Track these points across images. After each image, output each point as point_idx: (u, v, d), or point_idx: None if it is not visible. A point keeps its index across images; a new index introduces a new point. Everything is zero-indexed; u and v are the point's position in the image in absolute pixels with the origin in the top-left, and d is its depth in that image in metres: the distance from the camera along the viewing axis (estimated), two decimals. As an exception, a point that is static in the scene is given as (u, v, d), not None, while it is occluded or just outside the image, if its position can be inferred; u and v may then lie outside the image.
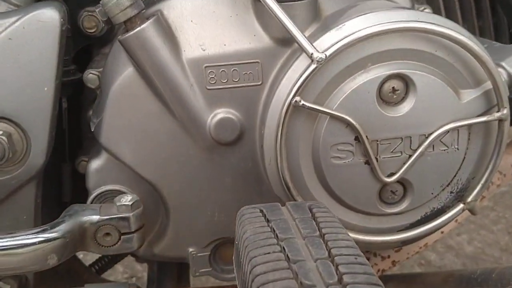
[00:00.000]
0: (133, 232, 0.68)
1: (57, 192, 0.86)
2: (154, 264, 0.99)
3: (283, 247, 0.47)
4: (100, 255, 1.06)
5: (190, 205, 0.72)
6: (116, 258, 1.05)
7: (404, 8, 0.67)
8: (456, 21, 0.90)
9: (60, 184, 0.86)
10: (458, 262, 1.70)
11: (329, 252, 0.45)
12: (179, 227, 0.74)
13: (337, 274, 0.42)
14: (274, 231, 0.50)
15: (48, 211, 0.77)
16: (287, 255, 0.45)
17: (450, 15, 0.91)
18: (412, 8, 0.75)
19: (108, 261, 1.05)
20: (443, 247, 1.75)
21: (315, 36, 0.63)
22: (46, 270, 0.85)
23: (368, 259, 0.83)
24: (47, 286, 0.90)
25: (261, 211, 0.56)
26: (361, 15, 0.62)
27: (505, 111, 0.64)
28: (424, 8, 0.80)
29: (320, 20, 0.67)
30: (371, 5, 0.67)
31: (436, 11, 0.91)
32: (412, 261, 1.66)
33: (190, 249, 0.75)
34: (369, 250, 0.80)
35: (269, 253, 0.45)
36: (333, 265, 0.43)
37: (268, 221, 0.53)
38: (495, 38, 0.94)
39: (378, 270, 0.83)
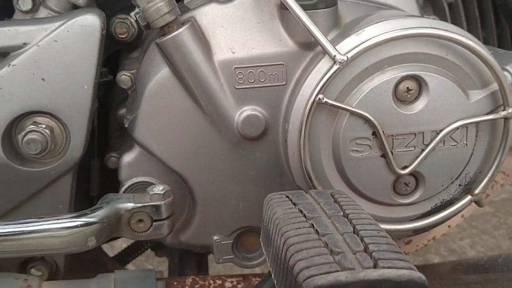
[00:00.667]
0: (164, 219, 0.74)
1: (85, 187, 0.91)
2: (174, 256, 1.04)
3: (312, 224, 0.52)
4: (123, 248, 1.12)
5: (216, 196, 0.78)
6: (137, 251, 1.11)
7: (417, 16, 0.73)
8: (462, 31, 0.97)
9: (88, 179, 0.91)
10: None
11: (354, 228, 0.51)
12: (205, 216, 0.79)
13: (363, 244, 0.47)
14: (301, 212, 0.56)
15: (78, 204, 0.82)
16: (316, 230, 0.51)
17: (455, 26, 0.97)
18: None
19: (129, 254, 1.10)
20: (446, 251, 1.80)
21: (336, 41, 0.69)
22: (73, 260, 0.90)
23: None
24: (74, 275, 0.95)
25: (287, 196, 0.62)
26: (379, 22, 0.68)
27: (511, 110, 0.69)
28: (433, 18, 0.87)
29: (340, 27, 0.73)
30: (386, 14, 0.73)
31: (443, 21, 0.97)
32: (416, 263, 1.71)
33: (215, 237, 0.80)
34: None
35: (299, 228, 0.51)
36: (359, 237, 0.49)
37: (294, 204, 0.59)
38: (498, 47, 1.00)
39: (389, 262, 0.88)
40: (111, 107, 0.92)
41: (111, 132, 0.93)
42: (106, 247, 1.30)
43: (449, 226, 0.90)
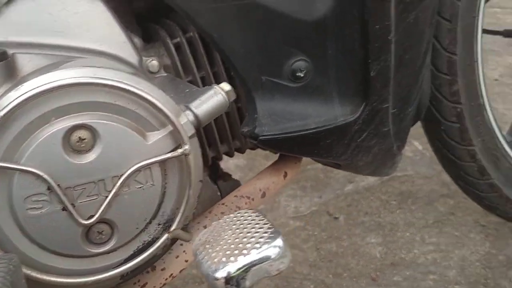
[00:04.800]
0: None
1: None
2: None
3: None
4: None
5: None
6: None
7: (95, 66, 0.73)
8: (191, 69, 1.01)
9: None
10: (272, 284, 1.82)
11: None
12: None
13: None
14: None
15: None
16: None
17: (185, 65, 1.01)
18: (140, 60, 0.83)
19: None
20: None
21: (3, 96, 0.67)
22: None
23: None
24: None
25: None
26: (40, 75, 0.67)
27: (186, 147, 0.73)
28: (152, 60, 0.89)
29: (15, 80, 0.71)
30: (68, 65, 0.72)
31: (173, 61, 1.01)
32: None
33: None
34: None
35: None
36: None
37: None
38: (229, 81, 1.06)
39: (129, 305, 0.87)
40: None
41: None
42: None
43: (186, 261, 0.92)
